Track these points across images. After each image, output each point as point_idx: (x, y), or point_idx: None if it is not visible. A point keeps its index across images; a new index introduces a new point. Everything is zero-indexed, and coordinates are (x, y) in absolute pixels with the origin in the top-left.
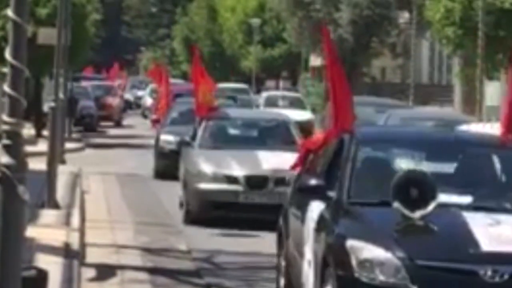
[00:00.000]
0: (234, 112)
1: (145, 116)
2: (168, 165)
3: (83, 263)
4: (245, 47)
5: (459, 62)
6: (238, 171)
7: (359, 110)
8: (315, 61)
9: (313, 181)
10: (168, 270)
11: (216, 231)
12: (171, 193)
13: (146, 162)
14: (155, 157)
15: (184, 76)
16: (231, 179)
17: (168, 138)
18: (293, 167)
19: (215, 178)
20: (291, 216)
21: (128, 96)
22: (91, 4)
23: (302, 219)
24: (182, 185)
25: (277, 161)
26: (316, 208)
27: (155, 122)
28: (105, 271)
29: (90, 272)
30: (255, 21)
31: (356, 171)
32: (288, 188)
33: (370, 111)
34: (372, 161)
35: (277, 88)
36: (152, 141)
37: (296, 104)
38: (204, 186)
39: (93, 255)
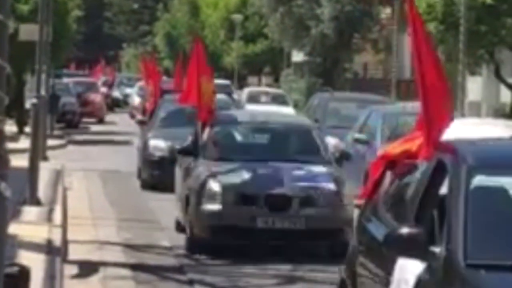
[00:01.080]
0: (243, 115)
1: (133, 116)
2: (158, 175)
3: (65, 260)
4: (227, 43)
5: (441, 58)
6: (255, 189)
7: (340, 106)
8: (297, 56)
9: (406, 230)
10: (151, 266)
11: None
12: (154, 189)
13: (128, 158)
14: (142, 166)
15: (167, 72)
16: (247, 199)
17: (158, 144)
18: (364, 195)
19: (227, 197)
20: (362, 270)
21: (116, 93)
22: (72, 0)
23: (385, 283)
24: (181, 205)
25: (301, 175)
26: (410, 268)
27: (142, 124)
28: (87, 268)
29: (72, 269)
30: (237, 17)
31: (474, 216)
32: (314, 208)
33: (352, 107)
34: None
35: (259, 84)
36: (135, 138)
37: (278, 100)
38: (212, 207)
39: (76, 252)
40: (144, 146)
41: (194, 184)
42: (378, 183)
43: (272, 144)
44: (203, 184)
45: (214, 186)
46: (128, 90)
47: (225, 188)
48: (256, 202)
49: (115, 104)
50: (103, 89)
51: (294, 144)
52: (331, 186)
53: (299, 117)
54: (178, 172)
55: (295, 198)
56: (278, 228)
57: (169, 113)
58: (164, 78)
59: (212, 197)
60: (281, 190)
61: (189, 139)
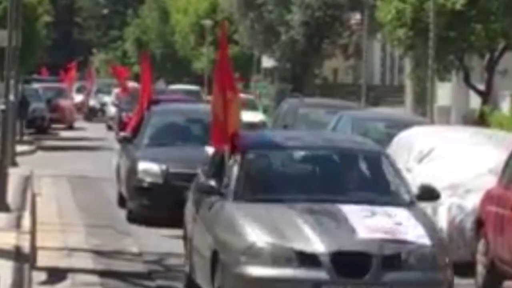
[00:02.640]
0: (283, 137)
1: (110, 128)
2: (150, 206)
3: (33, 267)
4: (197, 48)
5: (411, 63)
6: (317, 244)
7: (310, 111)
8: (267, 62)
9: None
10: (119, 272)
11: (167, 233)
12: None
13: (98, 164)
14: (128, 193)
15: (136, 78)
16: (307, 259)
17: (149, 167)
18: None
19: (277, 257)
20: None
21: (93, 102)
22: (42, 6)
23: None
24: (206, 265)
25: (379, 223)
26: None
27: (126, 141)
28: (56, 275)
29: (41, 276)
30: (207, 23)
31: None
32: (402, 272)
33: (322, 113)
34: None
35: None
36: (105, 144)
37: (248, 105)
38: (258, 271)
39: (44, 259)
40: (131, 170)
41: (228, 237)
42: None
43: (331, 177)
44: (243, 238)
45: (261, 241)
46: (106, 98)
47: (276, 244)
48: (320, 263)
49: (92, 114)
50: (78, 97)
51: (359, 177)
52: (424, 239)
53: (361, 139)
54: (197, 219)
55: (374, 258)
56: None
57: (160, 127)
58: (135, 84)
59: (258, 256)
60: (355, 247)
61: (208, 169)
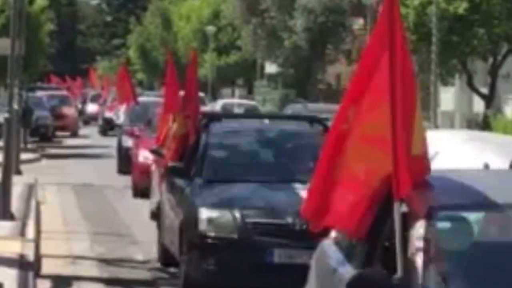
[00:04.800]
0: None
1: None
2: (219, 271)
3: (38, 275)
4: (200, 55)
5: (414, 68)
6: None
7: None
8: (270, 68)
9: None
10: (124, 280)
11: None
12: (127, 203)
13: (102, 172)
14: (183, 251)
15: (140, 84)
16: None
17: (216, 216)
18: None
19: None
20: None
21: (109, 113)
22: (45, 14)
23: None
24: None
25: None
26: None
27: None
28: (60, 283)
29: (45, 284)
30: (210, 29)
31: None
32: None
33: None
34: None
35: (232, 95)
36: (110, 151)
37: (252, 111)
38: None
39: (49, 267)
40: (188, 219)
41: None
42: None
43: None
44: None
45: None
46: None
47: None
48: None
49: (108, 127)
50: (92, 107)
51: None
52: None
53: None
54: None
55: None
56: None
57: (227, 155)
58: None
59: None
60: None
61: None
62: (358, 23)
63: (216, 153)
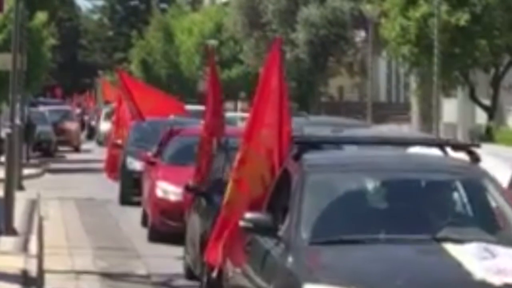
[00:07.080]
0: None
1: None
2: None
3: None
4: (202, 68)
5: (416, 80)
6: None
7: (316, 130)
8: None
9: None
10: None
11: (176, 254)
12: (130, 217)
13: (105, 186)
14: None
15: None
16: None
17: None
18: None
19: None
20: None
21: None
22: (47, 29)
23: None
24: None
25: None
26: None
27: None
28: None
29: None
30: (212, 42)
31: None
32: None
33: (328, 131)
34: None
35: (235, 109)
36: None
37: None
38: None
39: (52, 282)
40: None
41: None
42: None
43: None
44: None
45: None
46: None
47: None
48: None
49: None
50: (106, 124)
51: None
52: None
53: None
54: None
55: None
56: None
57: (339, 206)
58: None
59: None
60: None
61: None
62: (359, 35)
63: (321, 202)
